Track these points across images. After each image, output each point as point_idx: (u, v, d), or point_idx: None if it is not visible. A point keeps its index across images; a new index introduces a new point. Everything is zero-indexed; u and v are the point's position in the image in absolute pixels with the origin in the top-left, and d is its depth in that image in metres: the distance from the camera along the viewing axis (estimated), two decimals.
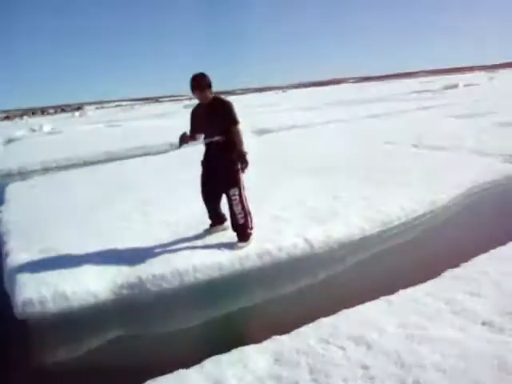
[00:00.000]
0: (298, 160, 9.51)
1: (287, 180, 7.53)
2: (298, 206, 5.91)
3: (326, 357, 2.90)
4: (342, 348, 2.98)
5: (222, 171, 4.73)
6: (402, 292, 3.68)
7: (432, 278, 3.91)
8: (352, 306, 3.54)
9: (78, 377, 3.31)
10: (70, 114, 51.24)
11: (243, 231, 4.78)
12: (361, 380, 2.62)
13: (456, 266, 4.11)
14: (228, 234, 5.06)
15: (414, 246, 5.12)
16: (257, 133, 15.82)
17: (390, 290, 3.74)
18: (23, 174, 12.42)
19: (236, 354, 3.03)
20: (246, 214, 4.78)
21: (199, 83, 4.62)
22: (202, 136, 4.88)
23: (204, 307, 4.25)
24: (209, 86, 4.66)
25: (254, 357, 2.98)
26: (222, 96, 4.99)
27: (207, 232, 5.15)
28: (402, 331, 3.09)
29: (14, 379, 3.36)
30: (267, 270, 4.60)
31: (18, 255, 4.97)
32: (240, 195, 4.73)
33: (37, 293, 4.10)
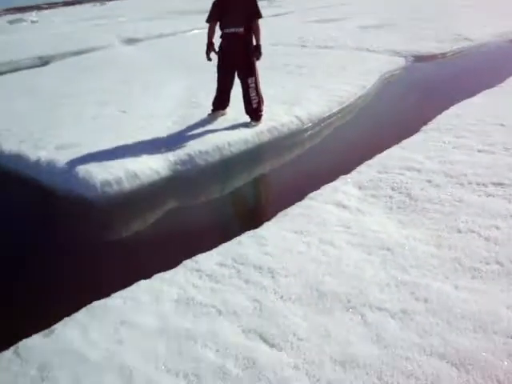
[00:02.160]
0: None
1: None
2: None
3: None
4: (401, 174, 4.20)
5: (243, 61, 5.41)
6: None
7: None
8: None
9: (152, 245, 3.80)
10: None
11: (256, 113, 5.61)
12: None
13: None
14: (230, 117, 5.86)
15: (371, 114, 6.51)
16: (126, 42, 15.61)
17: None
18: None
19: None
20: (260, 99, 5.60)
21: None
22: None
23: (243, 173, 5.10)
24: None
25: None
26: None
27: (212, 116, 5.84)
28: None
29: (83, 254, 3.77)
30: (279, 141, 5.60)
31: (40, 152, 5.19)
32: (256, 83, 5.51)
33: (110, 174, 4.54)
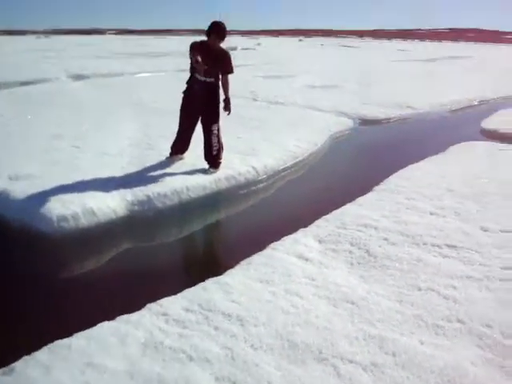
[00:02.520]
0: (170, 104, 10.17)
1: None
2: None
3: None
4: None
5: (209, 108, 5.51)
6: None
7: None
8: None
9: (105, 284, 3.71)
10: None
11: (215, 160, 5.67)
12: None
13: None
14: (188, 162, 5.88)
15: (324, 171, 6.73)
16: (74, 77, 15.46)
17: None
18: None
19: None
20: (220, 147, 5.68)
21: (225, 35, 5.35)
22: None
23: (201, 218, 5.09)
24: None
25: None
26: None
27: (170, 160, 5.84)
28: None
29: (41, 291, 3.60)
30: (237, 190, 5.66)
31: None
32: (218, 130, 5.60)
33: (67, 209, 4.41)
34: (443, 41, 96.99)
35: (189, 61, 5.34)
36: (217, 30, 5.29)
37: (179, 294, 3.28)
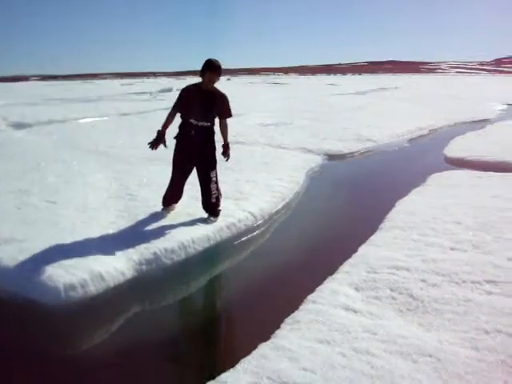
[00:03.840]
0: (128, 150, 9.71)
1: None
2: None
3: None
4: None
5: (206, 154, 5.18)
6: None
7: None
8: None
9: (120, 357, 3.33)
10: None
11: (214, 208, 5.33)
12: None
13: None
14: (183, 212, 5.50)
15: (320, 210, 6.53)
16: (15, 126, 14.67)
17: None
18: None
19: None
20: (219, 194, 5.35)
21: (220, 72, 5.01)
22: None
23: (213, 272, 4.74)
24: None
25: None
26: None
27: (164, 211, 5.44)
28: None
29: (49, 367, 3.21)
30: (240, 238, 5.34)
31: None
32: (216, 177, 5.27)
33: (74, 276, 3.92)
34: (363, 74, 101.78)
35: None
36: (211, 67, 5.01)
37: (238, 366, 2.90)
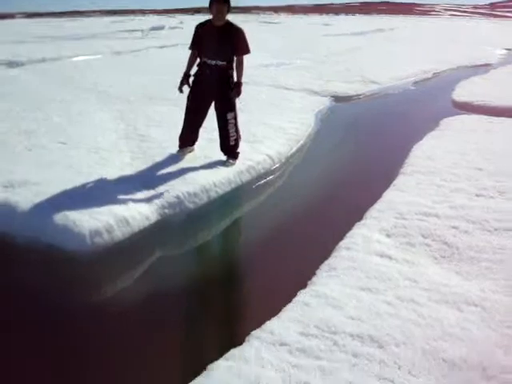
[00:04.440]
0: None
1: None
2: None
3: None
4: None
5: (223, 95, 4.95)
6: None
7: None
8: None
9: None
10: None
11: (233, 151, 5.17)
12: None
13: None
14: (201, 154, 5.35)
15: (332, 150, 6.40)
16: (8, 64, 14.09)
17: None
18: None
19: None
20: (238, 137, 5.16)
21: (229, 1, 4.66)
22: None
23: (239, 216, 4.67)
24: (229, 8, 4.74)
25: None
26: None
27: (181, 153, 5.26)
28: None
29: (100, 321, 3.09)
30: (259, 180, 5.24)
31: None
32: (235, 119, 5.06)
33: (99, 221, 3.79)
34: (356, 14, 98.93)
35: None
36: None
37: (281, 315, 2.85)
